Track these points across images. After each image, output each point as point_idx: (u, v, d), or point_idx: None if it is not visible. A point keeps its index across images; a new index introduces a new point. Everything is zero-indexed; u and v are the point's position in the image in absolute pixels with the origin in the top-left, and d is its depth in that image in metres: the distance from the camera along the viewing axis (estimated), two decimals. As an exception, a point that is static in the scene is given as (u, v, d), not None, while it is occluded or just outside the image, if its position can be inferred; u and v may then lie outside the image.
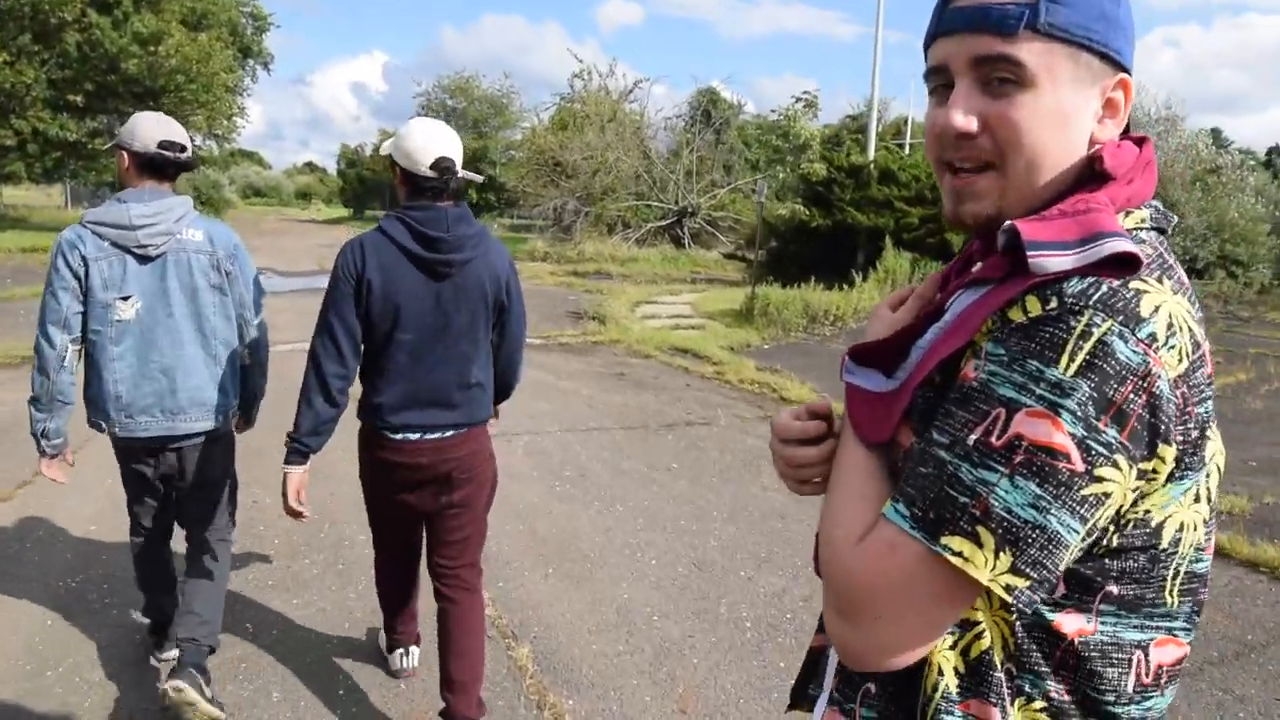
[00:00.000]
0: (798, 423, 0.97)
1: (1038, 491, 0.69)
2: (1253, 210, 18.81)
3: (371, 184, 42.16)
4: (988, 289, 0.79)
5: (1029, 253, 0.74)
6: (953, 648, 0.80)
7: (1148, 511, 0.76)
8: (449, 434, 2.40)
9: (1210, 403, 0.79)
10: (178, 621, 2.69)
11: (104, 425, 2.56)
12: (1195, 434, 0.76)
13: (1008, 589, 0.71)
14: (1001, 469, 0.70)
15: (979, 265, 0.85)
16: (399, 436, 2.37)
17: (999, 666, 0.79)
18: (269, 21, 31.39)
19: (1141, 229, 0.81)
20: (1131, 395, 0.70)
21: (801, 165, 22.29)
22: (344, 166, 49.24)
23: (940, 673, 0.80)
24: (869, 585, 0.76)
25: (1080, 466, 0.69)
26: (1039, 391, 0.70)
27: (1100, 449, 0.70)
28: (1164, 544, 0.78)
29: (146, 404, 2.53)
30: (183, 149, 2.55)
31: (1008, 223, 0.78)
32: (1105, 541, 0.76)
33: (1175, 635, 0.81)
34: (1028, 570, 0.71)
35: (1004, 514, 0.70)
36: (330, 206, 62.01)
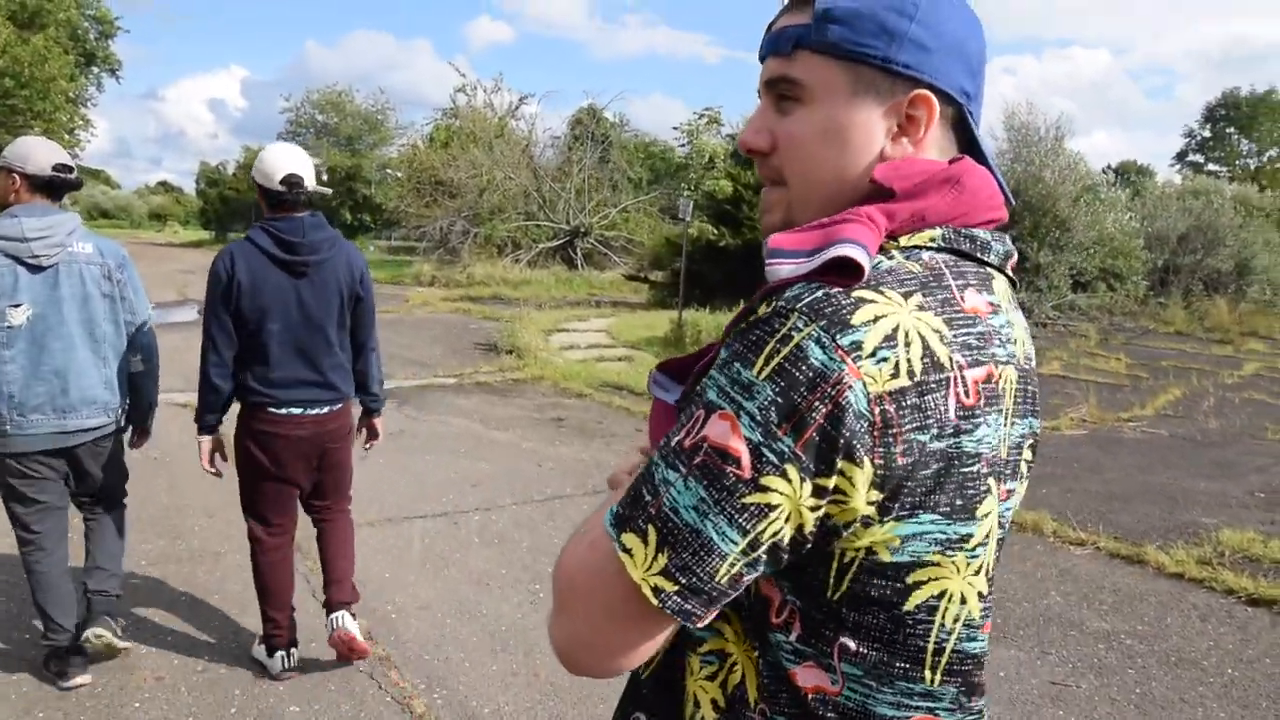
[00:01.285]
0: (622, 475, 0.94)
1: (703, 494, 0.68)
2: (1128, 225, 19.67)
3: (235, 204, 39.00)
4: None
5: (768, 260, 0.73)
6: (711, 679, 0.80)
7: (872, 552, 0.71)
8: (324, 410, 2.83)
9: (972, 442, 0.72)
10: (88, 579, 2.90)
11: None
12: (910, 463, 0.68)
13: (655, 590, 0.69)
14: (683, 469, 0.69)
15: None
16: (283, 412, 2.76)
17: (752, 706, 0.78)
18: (115, 26, 28.49)
19: (927, 247, 0.76)
20: (816, 403, 0.66)
21: (705, 182, 21.80)
22: (204, 186, 45.33)
23: (697, 704, 0.80)
24: (568, 577, 0.74)
25: (747, 473, 0.67)
26: (731, 393, 0.69)
27: (771, 457, 0.66)
28: (909, 607, 0.74)
29: (38, 403, 2.66)
30: (72, 170, 2.77)
31: (771, 235, 0.76)
32: (834, 584, 0.73)
33: (938, 715, 0.78)
34: (678, 575, 0.68)
35: (670, 513, 0.69)
36: (188, 229, 57.59)
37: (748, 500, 0.67)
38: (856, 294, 0.69)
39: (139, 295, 2.91)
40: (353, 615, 3.00)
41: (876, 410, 0.67)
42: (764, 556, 0.69)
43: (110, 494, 2.99)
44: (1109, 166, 42.46)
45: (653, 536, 0.69)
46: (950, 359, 0.71)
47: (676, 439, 0.71)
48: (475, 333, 12.28)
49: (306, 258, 2.75)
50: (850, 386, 0.66)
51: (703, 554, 0.68)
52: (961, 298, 0.74)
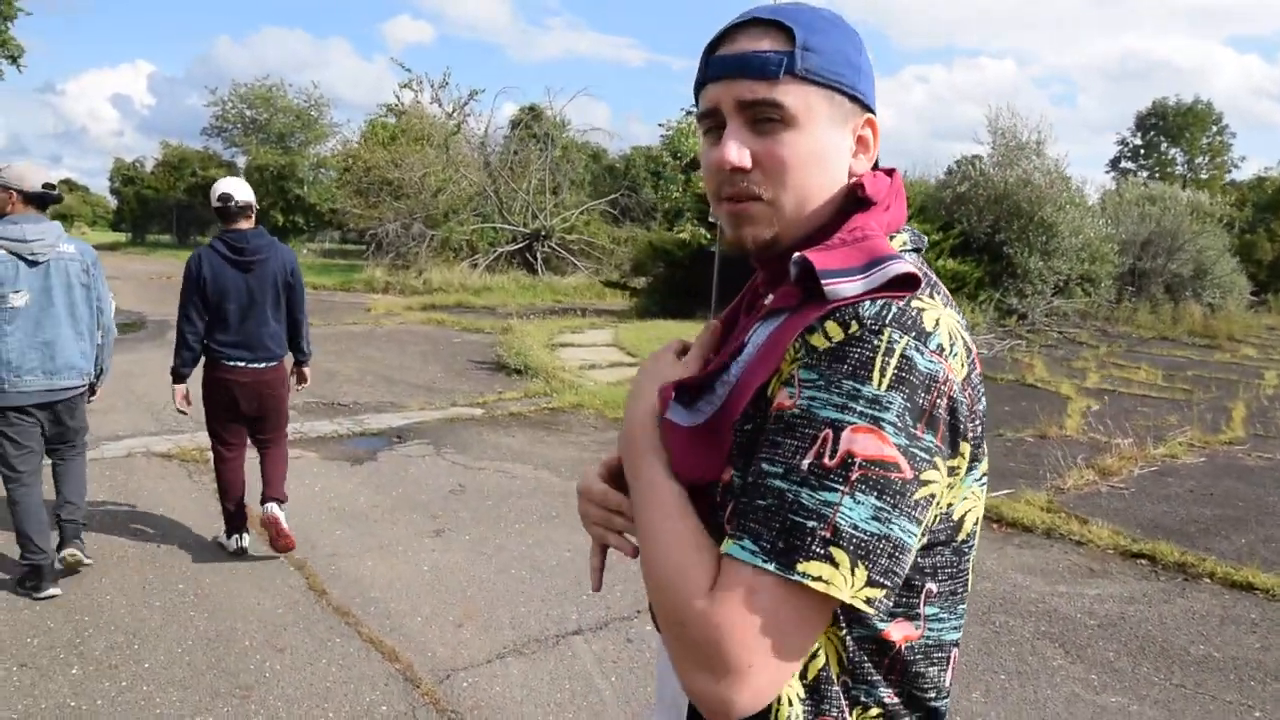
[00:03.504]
0: (601, 485, 0.97)
1: (877, 504, 0.72)
2: (1103, 230, 19.58)
3: (154, 205, 36.14)
4: (784, 317, 0.82)
5: (824, 281, 0.78)
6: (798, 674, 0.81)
7: (950, 504, 0.81)
8: (263, 365, 3.84)
9: (984, 399, 0.85)
10: (60, 510, 3.55)
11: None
12: (980, 429, 0.82)
13: (868, 601, 0.72)
14: (841, 488, 0.72)
15: (770, 297, 0.88)
16: (234, 364, 3.78)
17: (835, 681, 0.81)
18: (16, 8, 25.84)
19: (906, 250, 0.87)
20: (937, 401, 0.75)
21: (694, 181, 20.81)
22: (119, 184, 41.98)
23: (790, 703, 0.81)
24: (739, 636, 0.73)
25: (909, 474, 0.73)
26: (859, 408, 0.73)
27: (923, 454, 0.74)
28: (963, 536, 0.84)
29: (31, 366, 3.38)
30: (54, 188, 3.54)
31: (797, 255, 0.81)
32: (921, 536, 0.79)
33: (961, 628, 0.89)
34: (882, 580, 0.73)
35: (852, 531, 0.71)
36: (97, 229, 53.67)
37: (917, 496, 0.74)
38: (916, 304, 0.78)
39: (104, 286, 3.68)
40: (280, 505, 3.88)
41: (966, 394, 0.79)
42: (926, 537, 0.79)
43: (76, 440, 3.65)
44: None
45: (842, 557, 0.71)
46: (970, 342, 0.84)
47: (807, 461, 0.73)
48: (463, 347, 11.06)
49: (251, 258, 3.77)
50: (953, 382, 0.77)
51: (897, 554, 0.73)
52: (945, 289, 0.85)
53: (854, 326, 0.75)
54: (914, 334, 0.75)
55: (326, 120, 36.39)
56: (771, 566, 0.71)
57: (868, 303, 0.76)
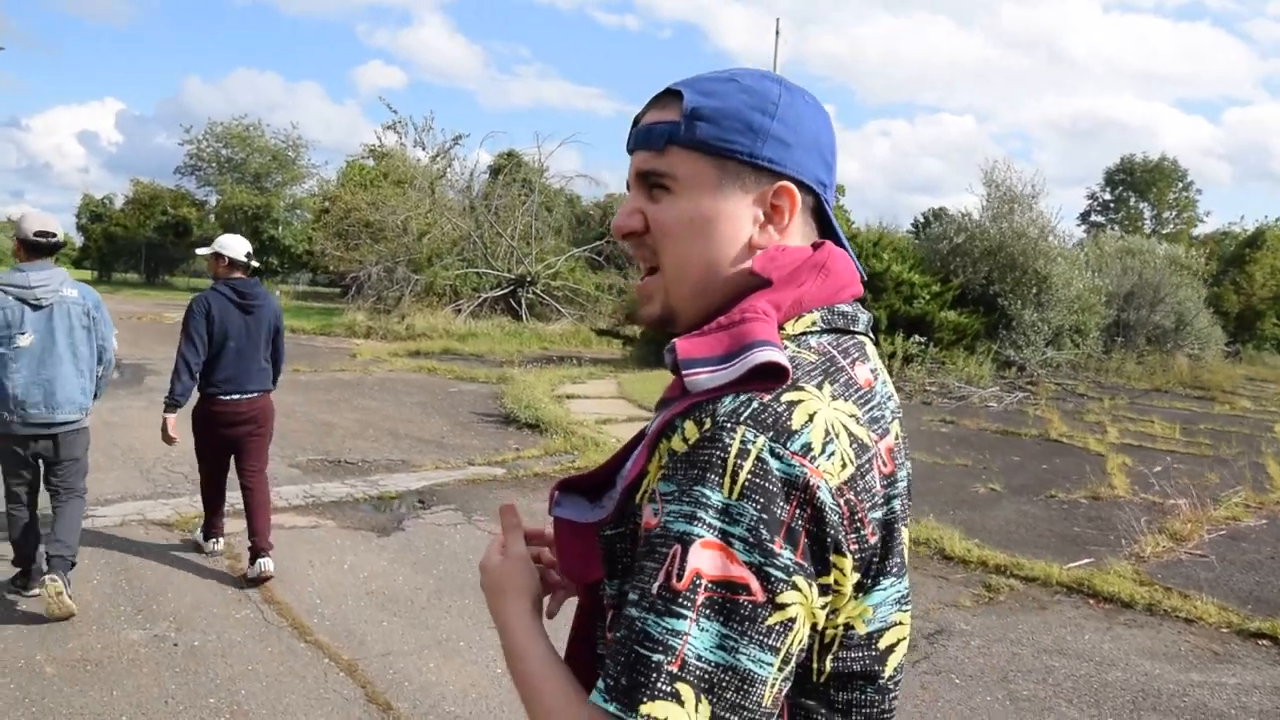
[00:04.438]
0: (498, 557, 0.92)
1: (724, 631, 0.66)
2: (1091, 282, 19.68)
3: (123, 243, 35.06)
4: (668, 408, 0.77)
5: (683, 371, 0.74)
6: None
7: (849, 627, 0.74)
8: (255, 395, 4.20)
9: (897, 502, 0.78)
10: (49, 546, 3.61)
11: (4, 415, 3.58)
12: (876, 538, 0.74)
13: None
14: (688, 613, 0.66)
15: (667, 387, 0.84)
16: (230, 398, 4.12)
17: None
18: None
19: (810, 333, 0.80)
20: (797, 511, 0.68)
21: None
22: (86, 221, 40.70)
23: None
24: None
25: (761, 596, 0.66)
26: (708, 519, 0.67)
27: (779, 574, 0.67)
28: (890, 671, 0.78)
29: (35, 401, 3.62)
30: (53, 235, 3.71)
31: (671, 342, 0.78)
32: (817, 667, 0.75)
33: None
34: (728, 716, 0.65)
35: (696, 662, 0.65)
36: (59, 265, 52.11)
37: (771, 621, 0.66)
38: (786, 398, 0.71)
39: (108, 326, 3.89)
40: (267, 555, 4.02)
41: (842, 501, 0.70)
42: (793, 665, 0.70)
43: (74, 480, 3.78)
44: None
45: (687, 692, 0.65)
46: (869, 437, 0.75)
47: (657, 584, 0.67)
48: (461, 398, 10.54)
49: (253, 303, 4.19)
50: (818, 487, 0.69)
51: (746, 687, 0.66)
52: (855, 375, 0.78)
53: (707, 424, 0.70)
54: (772, 433, 0.69)
55: (304, 161, 35.87)
56: (613, 708, 0.66)
57: (728, 398, 0.71)
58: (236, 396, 4.11)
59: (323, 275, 35.19)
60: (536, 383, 11.17)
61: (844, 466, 0.71)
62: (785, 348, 0.74)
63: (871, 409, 0.77)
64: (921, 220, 56.83)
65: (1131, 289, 22.58)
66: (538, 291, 23.34)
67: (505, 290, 23.10)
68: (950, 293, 16.21)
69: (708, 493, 0.67)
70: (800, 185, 0.83)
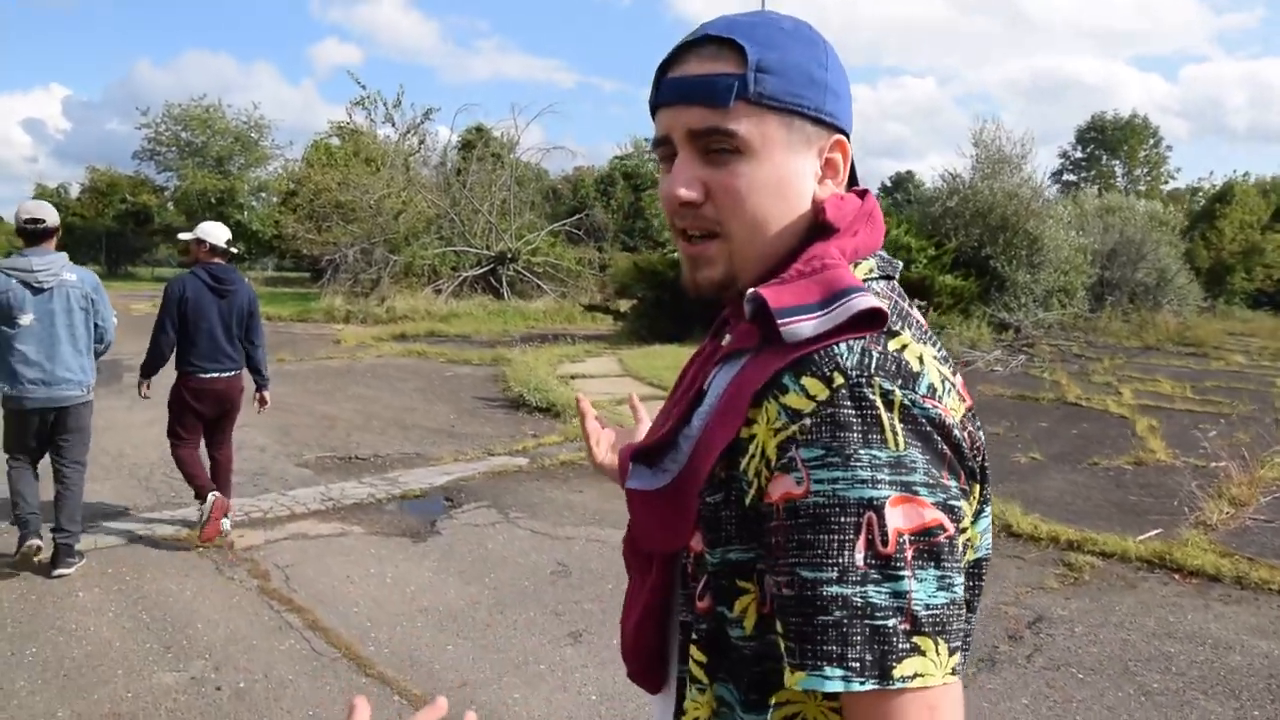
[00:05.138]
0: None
1: (938, 573, 0.67)
2: (1077, 241, 19.58)
3: (81, 233, 33.61)
4: (744, 361, 0.76)
5: (779, 320, 0.72)
6: None
7: (967, 547, 0.76)
8: (229, 374, 4.51)
9: (980, 433, 0.79)
10: (56, 535, 3.89)
11: (6, 389, 3.88)
12: (983, 466, 0.77)
13: (953, 671, 0.67)
14: (905, 572, 0.66)
15: (728, 337, 0.82)
16: (207, 375, 4.44)
17: None
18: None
19: (871, 279, 0.80)
20: (944, 446, 0.70)
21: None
22: (37, 213, 38.93)
23: None
24: None
25: (952, 529, 0.69)
26: (887, 478, 0.66)
27: (955, 502, 0.70)
28: (979, 590, 0.81)
29: (34, 378, 3.88)
30: (40, 221, 3.90)
31: (751, 291, 0.75)
32: None
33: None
34: (960, 645, 0.68)
35: (926, 612, 0.66)
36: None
37: (959, 544, 0.69)
38: (893, 345, 0.72)
39: (107, 307, 4.17)
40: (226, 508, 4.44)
41: (964, 435, 0.73)
42: None
43: (76, 449, 4.08)
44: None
45: (926, 643, 0.65)
46: (950, 374, 0.76)
47: (861, 556, 0.66)
48: (459, 382, 10.14)
49: (227, 288, 4.48)
50: (952, 424, 0.71)
51: (958, 610, 0.68)
52: (916, 316, 0.79)
53: (838, 380, 0.69)
54: (901, 380, 0.69)
55: (268, 143, 34.62)
56: (870, 685, 0.64)
57: (843, 349, 0.70)
58: (214, 374, 4.44)
59: (291, 260, 34.17)
60: (536, 363, 10.77)
61: (958, 402, 0.74)
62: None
63: (940, 348, 0.78)
64: (889, 184, 56.91)
65: (1114, 247, 22.55)
66: (518, 268, 22.81)
67: (486, 268, 22.53)
68: (947, 256, 16.00)
69: (876, 452, 0.66)
70: (846, 137, 0.82)
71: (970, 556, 0.77)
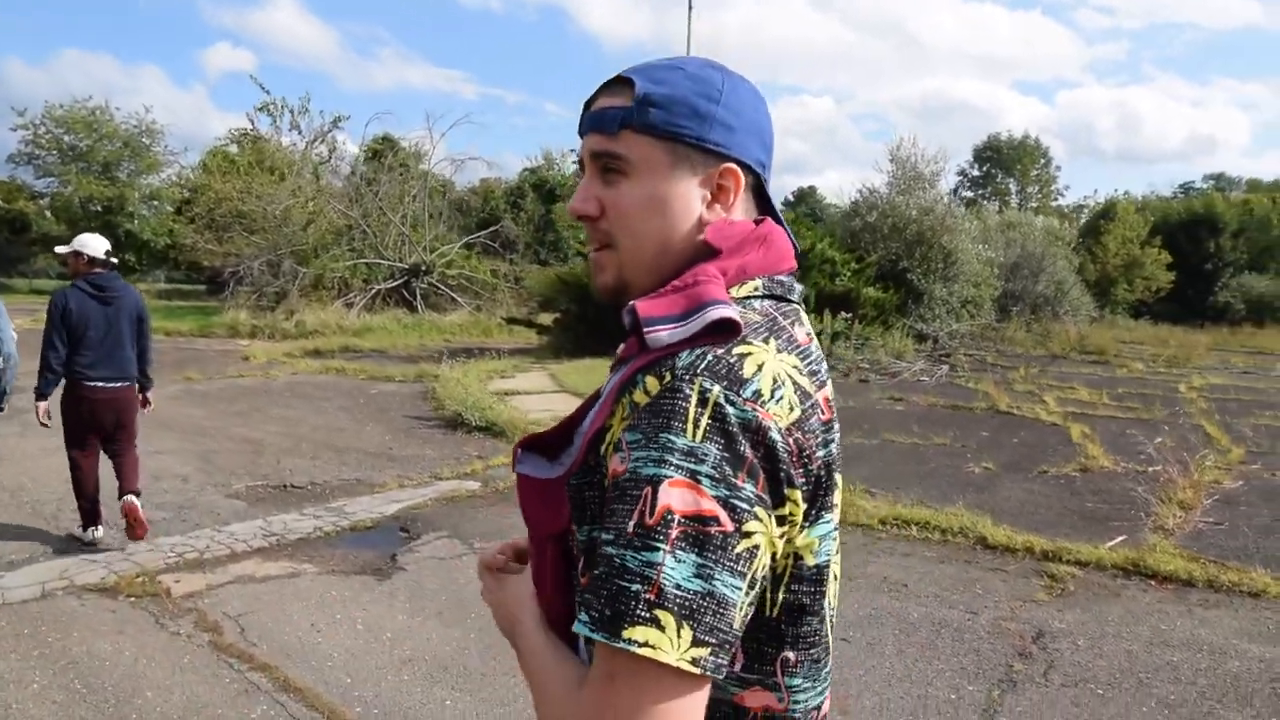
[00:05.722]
0: (501, 556, 1.03)
1: (699, 560, 0.70)
2: (984, 255, 20.37)
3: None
4: (625, 367, 0.82)
5: (644, 329, 0.79)
6: None
7: (799, 558, 0.81)
8: (118, 384, 4.46)
9: (834, 446, 0.84)
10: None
11: None
12: (822, 474, 0.81)
13: (694, 661, 0.70)
14: (662, 546, 0.70)
15: (622, 346, 0.87)
16: (94, 385, 4.37)
17: None
18: None
19: (754, 297, 0.86)
20: (753, 450, 0.74)
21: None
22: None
23: None
24: (594, 713, 0.72)
25: (730, 526, 0.72)
26: (675, 461, 0.72)
27: (743, 505, 0.73)
28: (826, 603, 0.85)
29: None
30: None
31: (630, 304, 0.82)
32: (772, 598, 0.81)
33: (825, 691, 0.89)
34: (708, 638, 0.71)
35: (675, 591, 0.70)
36: None
37: (739, 549, 0.72)
38: (737, 351, 0.78)
39: (5, 321, 4.38)
40: (136, 496, 4.49)
41: (791, 440, 0.77)
42: (757, 590, 0.76)
43: None
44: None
45: (667, 619, 0.69)
46: (810, 386, 0.82)
47: (632, 523, 0.71)
48: (385, 400, 9.65)
49: (111, 295, 4.43)
50: (769, 428, 0.75)
51: (721, 610, 0.71)
52: (795, 334, 0.85)
53: (667, 378, 0.76)
54: (725, 382, 0.75)
55: (160, 149, 32.59)
56: (599, 637, 0.70)
57: (685, 353, 0.77)
58: (101, 384, 4.38)
59: (185, 271, 32.25)
60: (466, 379, 10.34)
61: (791, 410, 0.78)
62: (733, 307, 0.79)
63: (810, 363, 0.84)
64: (792, 198, 58.26)
65: (1016, 260, 23.61)
66: (432, 281, 22.16)
67: (399, 281, 21.78)
68: (870, 269, 16.33)
69: (673, 438, 0.72)
70: (743, 166, 0.88)
71: (811, 562, 0.81)
